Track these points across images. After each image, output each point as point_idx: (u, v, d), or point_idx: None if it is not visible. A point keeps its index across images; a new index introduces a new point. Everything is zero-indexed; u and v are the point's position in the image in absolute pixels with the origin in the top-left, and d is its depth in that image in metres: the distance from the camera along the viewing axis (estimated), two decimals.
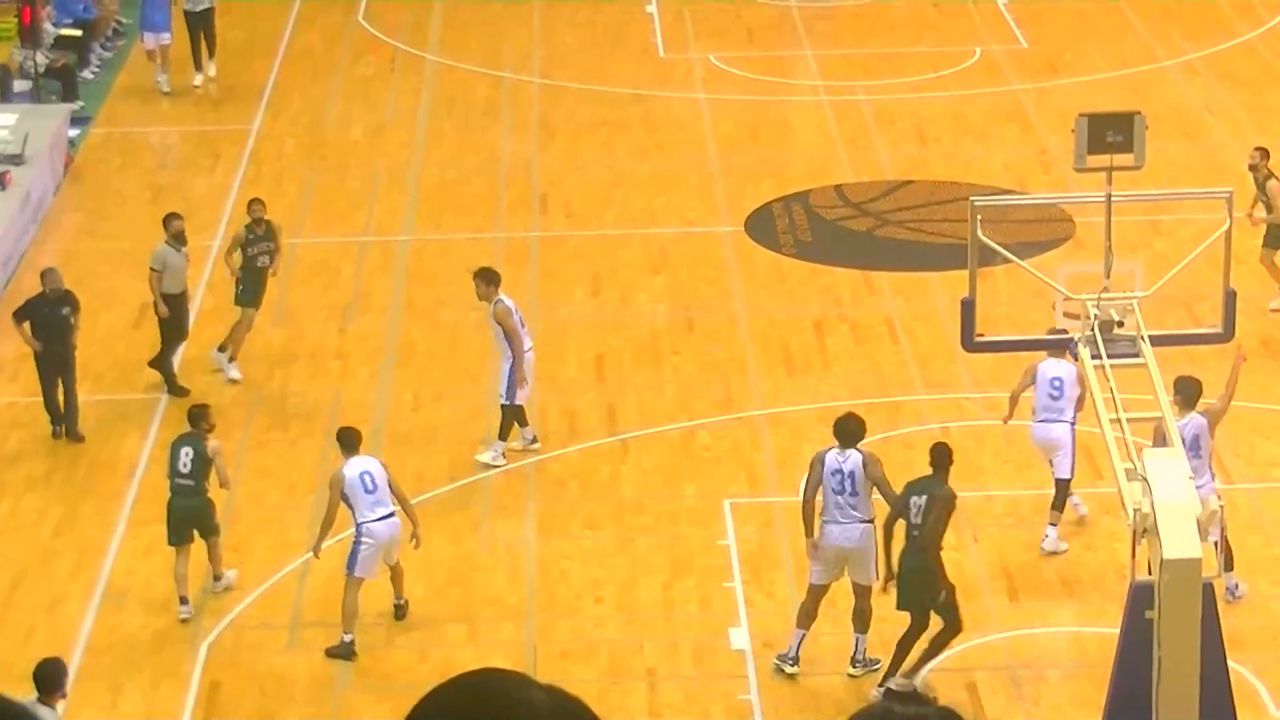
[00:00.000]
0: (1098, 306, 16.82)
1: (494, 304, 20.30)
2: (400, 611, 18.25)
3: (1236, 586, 17.88)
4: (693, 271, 24.65)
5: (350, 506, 17.74)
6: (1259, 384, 21.71)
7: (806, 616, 17.16)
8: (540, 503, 20.05)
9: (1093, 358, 16.79)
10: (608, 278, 24.57)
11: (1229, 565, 17.60)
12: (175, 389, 21.92)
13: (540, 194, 27.05)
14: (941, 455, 17.20)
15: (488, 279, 20.41)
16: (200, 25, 30.25)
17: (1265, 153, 23.05)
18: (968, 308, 17.20)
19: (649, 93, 30.33)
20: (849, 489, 17.01)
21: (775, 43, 32.21)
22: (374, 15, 33.77)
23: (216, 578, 18.58)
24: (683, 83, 30.72)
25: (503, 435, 20.39)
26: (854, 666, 17.23)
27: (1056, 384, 18.58)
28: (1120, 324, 16.90)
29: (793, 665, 17.18)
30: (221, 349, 22.29)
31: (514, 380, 20.18)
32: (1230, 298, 17.63)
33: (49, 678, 15.15)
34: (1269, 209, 22.87)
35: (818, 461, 17.14)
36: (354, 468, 17.81)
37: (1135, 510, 15.44)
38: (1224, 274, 17.91)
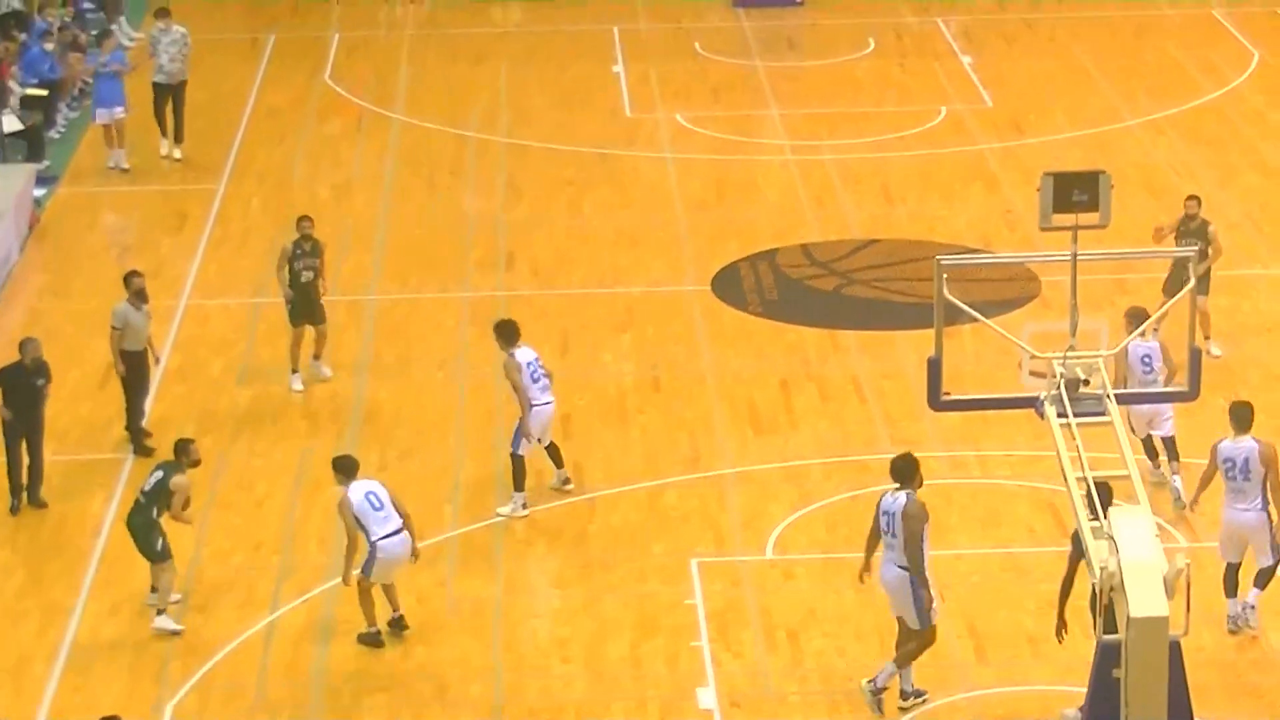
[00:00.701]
0: (1064, 365, 16.89)
1: (506, 358, 20.66)
2: (399, 624, 18.53)
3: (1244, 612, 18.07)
4: (659, 330, 24.71)
5: (363, 528, 18.27)
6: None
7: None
8: (508, 561, 20.04)
9: (1059, 416, 16.84)
10: (575, 336, 24.62)
11: (1262, 583, 18.11)
12: (140, 448, 21.92)
13: (507, 253, 27.11)
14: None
15: (501, 333, 20.86)
16: (169, 100, 29.77)
17: (1198, 200, 23.38)
18: (934, 366, 17.26)
19: (615, 152, 30.44)
20: (891, 530, 17.40)
21: (741, 102, 32.37)
22: (340, 75, 33.87)
23: (153, 589, 18.99)
24: (649, 142, 30.85)
25: (517, 486, 20.64)
26: (903, 699, 17.50)
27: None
28: (1086, 382, 16.97)
29: (916, 698, 17.48)
30: (295, 370, 23.26)
31: (520, 431, 20.56)
32: (1195, 355, 17.71)
33: None
34: (1207, 255, 22.90)
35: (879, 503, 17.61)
36: (357, 491, 18.41)
37: (1102, 569, 15.48)
38: (1189, 332, 18.01)
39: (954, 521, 20.47)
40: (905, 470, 17.53)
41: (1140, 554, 15.37)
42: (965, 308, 17.32)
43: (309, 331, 23.29)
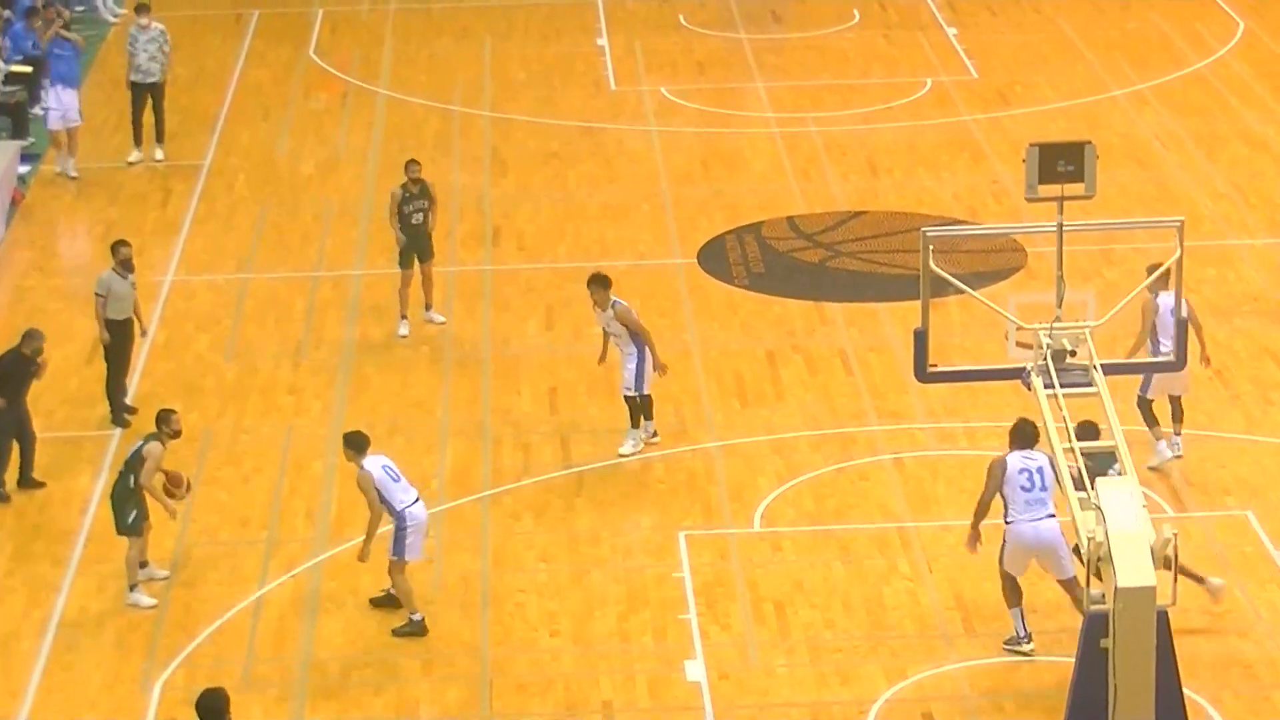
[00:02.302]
0: (1050, 336, 16.90)
1: (612, 306, 21.08)
2: (389, 600, 18.62)
3: None
4: (646, 303, 24.63)
5: (386, 501, 18.30)
6: (1209, 412, 21.82)
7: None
8: (495, 536, 20.03)
9: (1045, 387, 16.85)
10: (561, 310, 24.59)
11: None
12: (119, 419, 21.91)
13: (493, 227, 27.07)
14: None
15: (604, 284, 21.17)
16: (148, 100, 28.93)
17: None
18: (920, 338, 17.25)
19: (600, 125, 30.39)
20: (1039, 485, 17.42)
21: (726, 75, 32.32)
22: (325, 50, 33.79)
23: (142, 564, 19.00)
24: (634, 115, 30.79)
25: (635, 424, 21.19)
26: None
27: None
28: (1073, 353, 16.97)
29: (1027, 642, 17.54)
30: (404, 316, 23.75)
31: (643, 371, 21.05)
32: (1181, 326, 17.72)
33: (211, 709, 14.93)
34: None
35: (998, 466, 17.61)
36: (374, 463, 18.46)
37: (1090, 539, 15.50)
38: (1175, 302, 18.01)
39: (941, 493, 20.48)
40: (1034, 432, 17.63)
41: (1127, 524, 15.39)
42: (951, 279, 17.32)
43: (416, 276, 23.74)
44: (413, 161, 24.13)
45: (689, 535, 19.89)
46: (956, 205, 27.29)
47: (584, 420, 22.09)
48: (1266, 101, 30.65)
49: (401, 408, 22.48)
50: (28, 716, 17.55)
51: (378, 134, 30.22)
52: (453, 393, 22.83)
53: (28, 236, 27.23)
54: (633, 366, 21.14)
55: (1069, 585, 17.53)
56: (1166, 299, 19.01)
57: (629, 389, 21.21)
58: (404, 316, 23.93)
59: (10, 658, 18.31)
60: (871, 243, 26.46)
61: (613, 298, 21.22)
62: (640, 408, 21.30)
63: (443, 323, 24.05)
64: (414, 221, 23.80)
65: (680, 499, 20.58)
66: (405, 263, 23.92)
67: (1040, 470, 17.49)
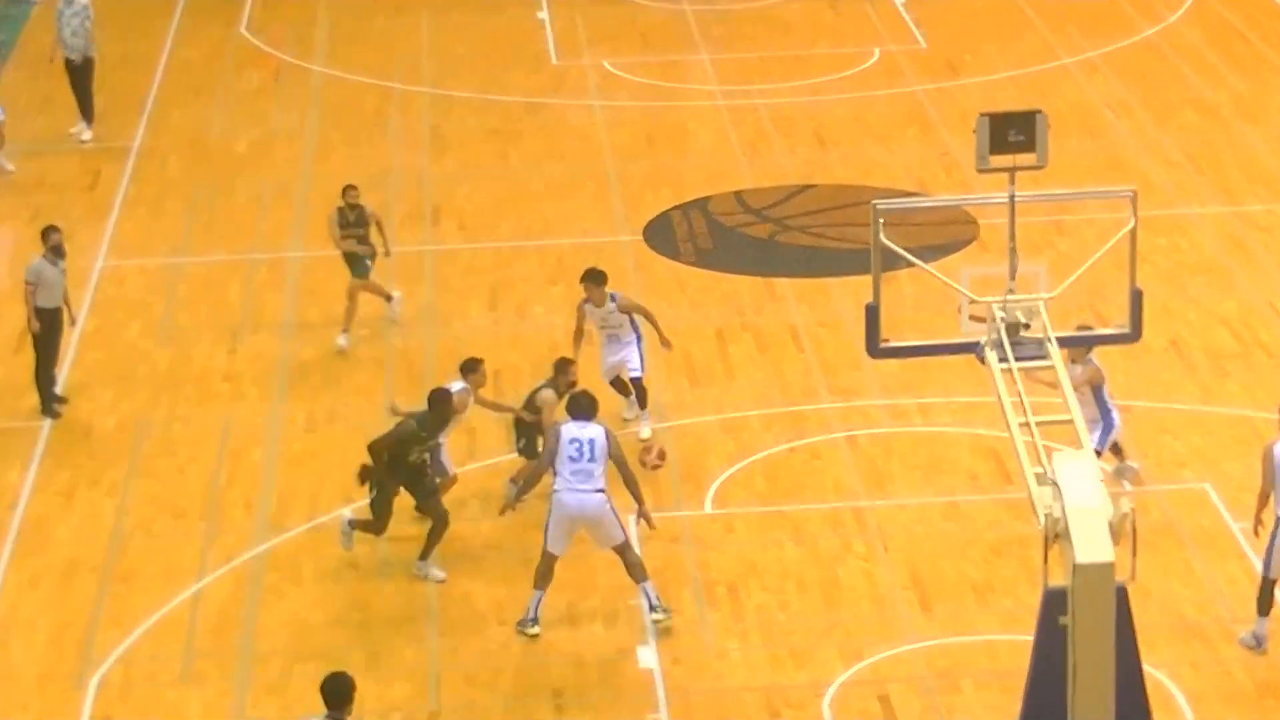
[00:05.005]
0: (1003, 309, 16.87)
1: (611, 300, 20.92)
2: None
3: (1260, 640, 17.74)
4: None
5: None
6: (1165, 383, 21.89)
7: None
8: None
9: (999, 361, 16.82)
10: (504, 291, 24.50)
11: (1264, 609, 17.68)
12: (49, 409, 21.75)
13: (433, 206, 26.96)
14: None
15: (600, 280, 20.93)
16: (76, 78, 28.74)
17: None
18: (872, 313, 17.21)
19: (542, 101, 30.30)
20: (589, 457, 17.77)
21: (670, 47, 32.25)
22: (257, 27, 33.59)
23: None
24: (576, 90, 30.71)
25: (643, 405, 21.19)
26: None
27: None
28: (1027, 326, 16.95)
29: None
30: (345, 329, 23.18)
31: (643, 355, 21.03)
32: (1136, 297, 17.70)
33: (337, 693, 14.59)
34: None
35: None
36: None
37: (1046, 515, 15.49)
38: (1130, 273, 18.00)
39: (895, 470, 20.47)
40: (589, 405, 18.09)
41: (1085, 499, 15.37)
42: (903, 253, 17.28)
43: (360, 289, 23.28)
44: (349, 187, 23.41)
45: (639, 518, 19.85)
46: (907, 177, 27.29)
47: None
48: (1218, 68, 30.73)
49: (342, 395, 22.36)
50: None
51: (314, 113, 30.06)
52: (395, 377, 22.72)
53: None
54: (637, 349, 21.02)
55: None
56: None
57: (636, 370, 21.06)
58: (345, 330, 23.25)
59: None
60: (821, 216, 26.44)
61: (609, 291, 20.96)
62: (641, 389, 21.20)
63: (395, 311, 23.64)
64: (347, 249, 23.24)
65: None
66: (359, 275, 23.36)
67: None
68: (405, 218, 26.64)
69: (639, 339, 21.13)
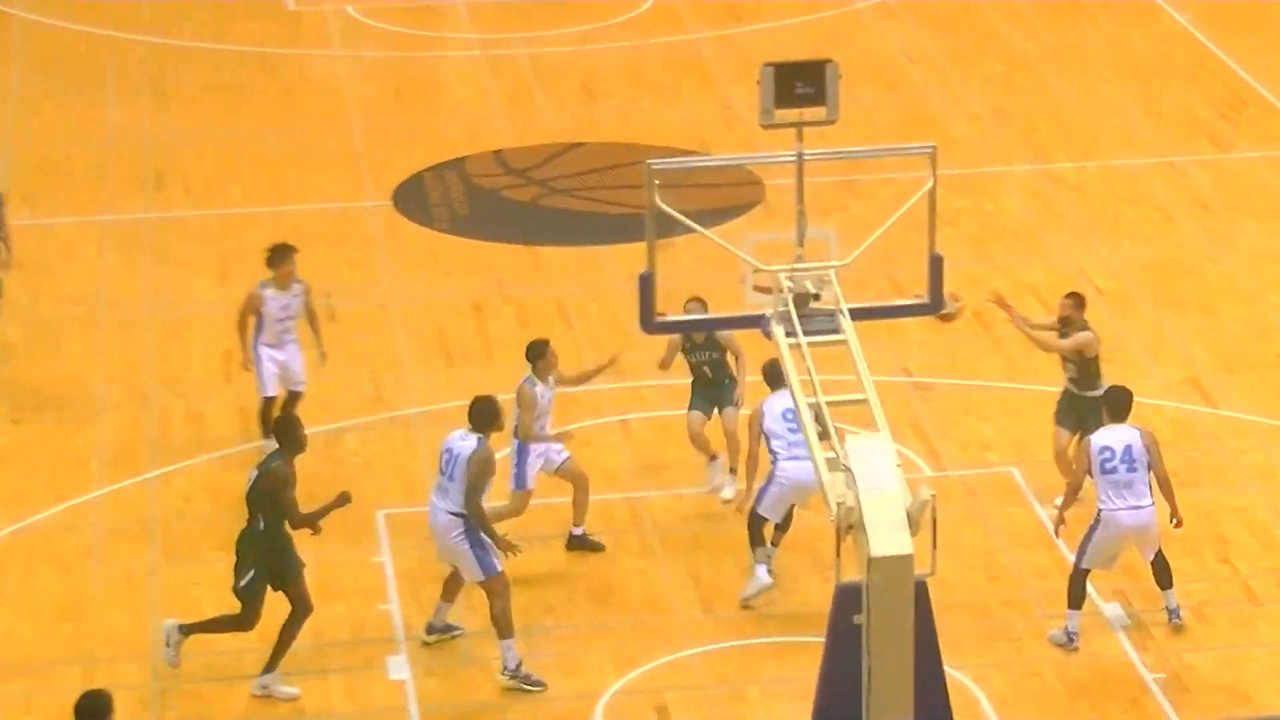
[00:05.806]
0: (791, 278, 17.02)
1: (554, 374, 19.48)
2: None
3: (1176, 609, 18.06)
4: (334, 252, 24.51)
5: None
6: (968, 359, 22.21)
7: None
8: (163, 522, 19.77)
9: (787, 335, 16.97)
10: (235, 263, 24.33)
11: (1167, 583, 18.01)
12: None
13: (155, 169, 26.72)
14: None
15: (544, 351, 19.35)
16: None
17: (1080, 301, 19.87)
18: (646, 284, 17.30)
19: (277, 51, 30.12)
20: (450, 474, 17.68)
21: None
22: None
23: None
24: (316, 38, 30.55)
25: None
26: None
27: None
28: (817, 297, 17.11)
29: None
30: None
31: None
32: (936, 263, 17.93)
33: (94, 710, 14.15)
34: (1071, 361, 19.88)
35: None
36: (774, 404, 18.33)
37: (839, 504, 15.65)
38: (929, 238, 18.22)
39: (673, 458, 20.59)
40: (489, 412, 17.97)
41: (880, 485, 15.55)
42: (680, 217, 17.37)
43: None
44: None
45: (389, 514, 19.82)
46: (684, 134, 27.45)
47: None
48: (1024, 14, 31.22)
49: (51, 381, 22.08)
50: None
51: (17, 65, 29.65)
52: (111, 361, 22.47)
53: None
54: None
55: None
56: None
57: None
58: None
59: None
60: (590, 178, 26.55)
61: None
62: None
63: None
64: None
65: (377, 474, 20.48)
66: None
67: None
68: (123, 182, 26.39)
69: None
